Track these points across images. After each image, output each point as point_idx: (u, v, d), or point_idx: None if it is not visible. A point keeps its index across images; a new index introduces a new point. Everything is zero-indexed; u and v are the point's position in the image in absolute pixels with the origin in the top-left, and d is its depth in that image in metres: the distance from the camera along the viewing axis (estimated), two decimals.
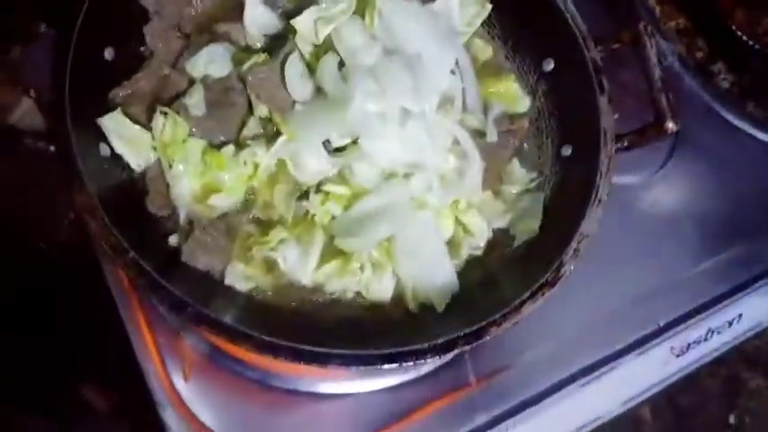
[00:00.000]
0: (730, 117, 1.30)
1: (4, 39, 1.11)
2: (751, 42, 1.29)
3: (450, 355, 0.89)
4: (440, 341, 0.81)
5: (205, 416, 0.98)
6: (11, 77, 1.14)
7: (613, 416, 1.25)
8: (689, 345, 1.21)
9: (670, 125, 0.94)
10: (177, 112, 0.89)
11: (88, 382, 1.14)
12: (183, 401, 0.96)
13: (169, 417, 0.95)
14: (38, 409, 1.11)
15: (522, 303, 0.84)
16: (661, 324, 1.15)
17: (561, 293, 0.87)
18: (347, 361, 0.76)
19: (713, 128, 1.29)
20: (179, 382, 0.97)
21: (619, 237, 1.17)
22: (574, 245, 0.88)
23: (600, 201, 0.91)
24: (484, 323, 0.82)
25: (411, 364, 0.78)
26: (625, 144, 0.97)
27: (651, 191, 1.25)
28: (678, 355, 1.21)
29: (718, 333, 1.23)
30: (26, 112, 1.06)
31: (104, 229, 0.76)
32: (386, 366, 0.76)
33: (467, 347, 0.82)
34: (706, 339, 1.22)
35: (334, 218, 0.91)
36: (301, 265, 0.88)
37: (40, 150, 0.80)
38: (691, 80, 1.31)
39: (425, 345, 0.80)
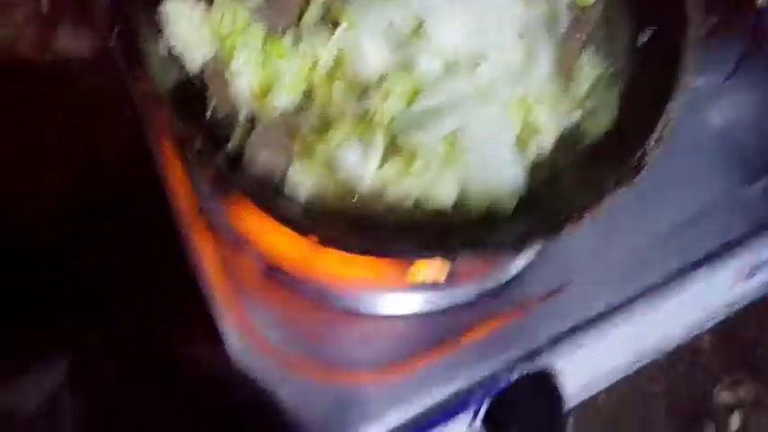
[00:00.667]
0: None
1: None
2: None
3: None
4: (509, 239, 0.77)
5: (264, 327, 0.97)
6: None
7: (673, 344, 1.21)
8: (755, 267, 1.14)
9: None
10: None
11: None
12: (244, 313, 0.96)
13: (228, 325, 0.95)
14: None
15: (602, 197, 0.79)
16: (725, 242, 1.08)
17: (618, 210, 0.81)
18: (419, 250, 0.73)
19: None
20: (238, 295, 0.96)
21: (679, 151, 1.09)
22: (658, 131, 0.82)
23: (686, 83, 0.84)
24: (563, 218, 0.77)
25: (489, 255, 0.74)
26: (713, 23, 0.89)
27: (718, 97, 1.16)
28: (741, 281, 1.15)
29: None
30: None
31: (171, 117, 0.73)
32: (465, 253, 0.73)
33: (542, 241, 0.78)
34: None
35: (396, 114, 0.87)
36: (363, 164, 0.85)
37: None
38: None
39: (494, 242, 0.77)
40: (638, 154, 0.81)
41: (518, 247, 0.77)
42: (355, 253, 0.74)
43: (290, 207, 0.81)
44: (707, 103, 1.18)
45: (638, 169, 0.80)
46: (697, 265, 1.09)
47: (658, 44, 0.91)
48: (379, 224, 0.85)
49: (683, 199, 1.11)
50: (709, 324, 1.40)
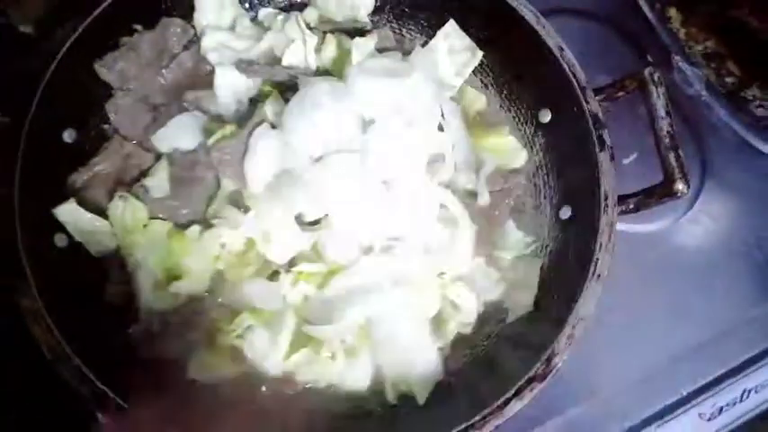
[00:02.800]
0: (766, 148, 1.16)
1: None
2: None
3: None
4: None
5: None
6: None
7: None
8: (721, 408, 1.09)
9: (680, 187, 0.84)
10: (137, 196, 0.84)
11: None
12: None
13: None
14: None
15: (507, 402, 0.75)
16: (684, 393, 1.04)
17: (581, 353, 0.79)
18: None
19: (746, 162, 1.16)
20: None
21: (645, 291, 1.07)
22: (568, 330, 0.79)
23: (599, 276, 0.81)
24: (462, 426, 0.74)
25: None
26: (631, 206, 0.87)
27: (677, 237, 1.13)
28: (709, 419, 1.10)
29: (756, 392, 1.11)
30: None
31: (47, 336, 0.72)
32: None
33: None
34: (741, 401, 1.10)
35: (306, 299, 0.85)
36: (270, 352, 0.83)
37: None
38: (720, 108, 1.17)
39: None
40: (546, 355, 0.78)
41: None
42: None
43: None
44: (667, 241, 1.14)
45: (546, 373, 0.77)
46: (660, 413, 1.04)
47: (576, 224, 0.89)
48: (284, 419, 0.82)
49: (649, 341, 1.06)
50: None
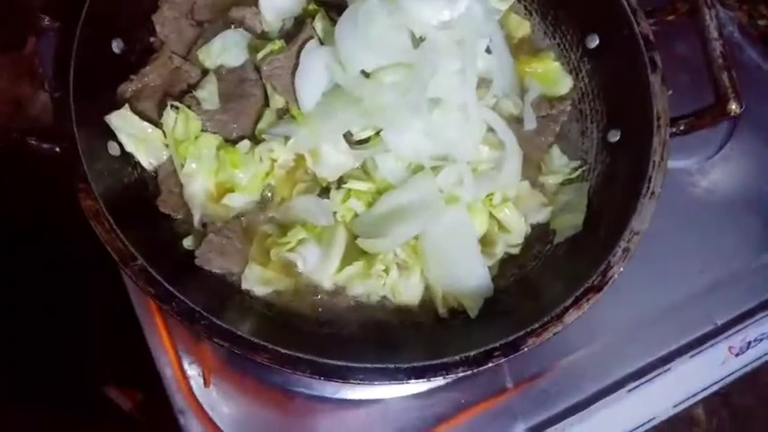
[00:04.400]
0: None
1: (18, 32, 1.07)
2: None
3: (484, 367, 0.82)
4: (472, 354, 0.74)
5: (226, 422, 0.93)
6: (28, 70, 1.11)
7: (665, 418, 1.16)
8: (749, 343, 1.10)
9: (733, 107, 0.84)
10: (189, 107, 0.83)
11: (113, 383, 1.12)
12: (203, 407, 0.92)
13: (188, 422, 0.91)
14: (62, 409, 1.09)
15: (565, 311, 0.76)
16: (718, 323, 1.05)
17: (610, 290, 0.80)
18: (370, 376, 0.70)
19: None
20: (199, 388, 0.92)
21: (672, 227, 1.07)
22: (623, 244, 0.79)
23: (653, 193, 0.82)
24: (522, 333, 0.74)
25: (440, 378, 0.72)
26: (681, 128, 0.86)
27: (708, 175, 1.14)
28: (737, 354, 1.11)
29: None
30: (44, 106, 1.03)
31: (110, 235, 0.71)
32: (412, 382, 0.70)
33: (502, 360, 0.74)
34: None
35: (356, 215, 0.85)
36: (322, 266, 0.82)
37: (45, 152, 0.75)
38: (752, 51, 1.18)
39: (456, 357, 0.74)
40: (603, 267, 0.78)
41: (475, 368, 0.74)
42: (306, 376, 0.70)
43: (243, 316, 0.78)
44: (698, 178, 1.15)
45: (602, 284, 0.77)
46: (689, 346, 1.05)
47: (626, 146, 0.89)
48: (339, 328, 0.82)
49: (678, 277, 1.07)
50: (703, 396, 1.36)
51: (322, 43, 0.88)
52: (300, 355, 0.72)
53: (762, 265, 1.10)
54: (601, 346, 1.02)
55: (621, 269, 0.79)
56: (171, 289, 0.71)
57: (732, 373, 1.12)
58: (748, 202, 1.13)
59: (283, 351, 0.72)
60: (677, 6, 0.90)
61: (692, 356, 1.05)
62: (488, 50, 0.92)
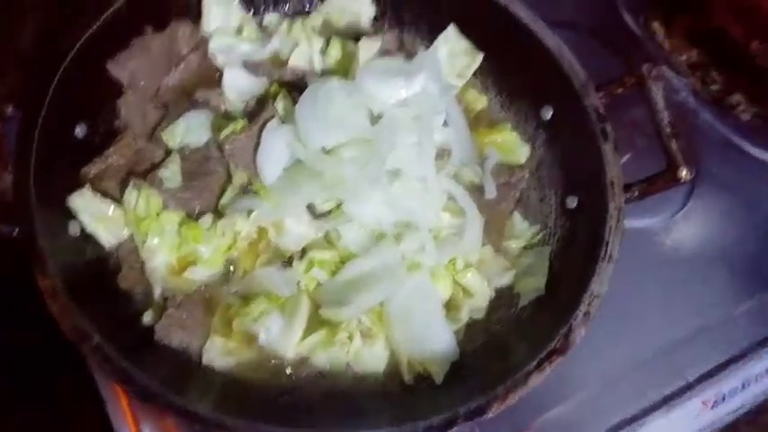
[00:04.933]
0: (753, 150, 1.21)
1: None
2: None
3: None
4: (436, 420, 0.73)
5: None
6: None
7: None
8: (724, 396, 1.10)
9: (683, 173, 0.87)
10: (151, 185, 0.84)
11: None
12: None
13: None
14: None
15: (529, 374, 0.76)
16: (690, 378, 1.04)
17: (580, 348, 0.80)
18: None
19: (734, 163, 1.20)
20: None
21: (640, 284, 1.08)
22: (584, 307, 0.80)
23: (611, 257, 0.83)
24: (486, 398, 0.74)
25: None
26: (635, 194, 0.89)
27: (672, 233, 1.16)
28: (713, 407, 1.10)
29: (756, 381, 1.12)
30: (8, 188, 1.04)
31: (66, 314, 0.71)
32: None
33: (467, 425, 0.74)
34: (743, 388, 1.11)
35: (320, 285, 0.85)
36: (285, 336, 0.82)
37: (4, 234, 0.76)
38: (707, 115, 1.22)
39: (420, 425, 0.73)
40: (564, 330, 0.78)
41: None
42: None
43: (203, 391, 0.77)
44: (662, 237, 1.16)
45: (564, 347, 0.77)
46: (663, 401, 1.04)
47: (584, 212, 0.91)
48: (303, 398, 0.81)
49: (648, 334, 1.06)
50: None
51: (283, 122, 0.90)
52: (264, 426, 0.71)
53: (729, 319, 1.10)
54: (574, 404, 1.00)
55: (583, 332, 0.79)
56: (127, 366, 0.70)
57: (711, 424, 1.11)
58: (712, 259, 1.15)
59: (245, 423, 0.71)
60: (625, 80, 0.94)
61: (666, 411, 1.04)
62: (446, 123, 0.95)
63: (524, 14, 0.96)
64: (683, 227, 1.17)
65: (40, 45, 0.96)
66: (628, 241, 1.08)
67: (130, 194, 0.83)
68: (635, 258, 1.10)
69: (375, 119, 0.91)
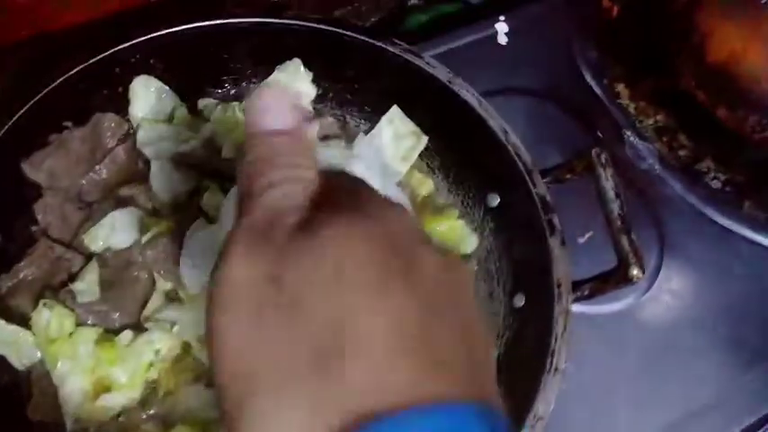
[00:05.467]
0: (723, 220, 1.14)
1: None
2: (743, 136, 1.15)
3: None
4: None
5: None
6: None
7: None
8: None
9: (635, 272, 0.81)
10: (64, 302, 0.79)
11: None
12: None
13: None
14: None
15: None
16: None
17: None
18: None
19: (704, 234, 1.14)
20: None
21: (613, 373, 1.02)
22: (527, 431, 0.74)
23: (557, 369, 0.77)
24: None
25: None
26: (586, 293, 0.83)
27: (640, 316, 1.09)
28: None
29: None
30: None
31: None
32: None
33: None
34: None
35: None
36: None
37: None
38: (675, 182, 1.16)
39: None
40: None
41: None
42: None
43: None
44: (630, 321, 1.10)
45: None
46: None
47: (530, 312, 0.85)
48: None
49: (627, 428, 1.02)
50: None
51: (210, 222, 0.85)
52: None
53: (712, 406, 1.04)
54: None
55: None
56: None
57: None
58: (689, 341, 1.09)
59: None
60: (574, 165, 0.88)
61: None
62: None
63: (468, 94, 0.91)
64: (651, 307, 1.10)
65: None
66: (594, 329, 1.04)
67: (40, 315, 0.77)
68: (601, 346, 1.05)
69: None
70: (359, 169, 0.88)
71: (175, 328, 0.80)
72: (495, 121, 0.90)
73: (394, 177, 0.94)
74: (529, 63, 1.23)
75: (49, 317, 0.77)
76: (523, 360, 0.83)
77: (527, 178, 0.86)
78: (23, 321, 0.79)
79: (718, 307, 1.11)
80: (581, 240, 1.06)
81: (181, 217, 0.86)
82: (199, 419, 0.78)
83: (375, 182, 0.86)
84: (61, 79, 0.86)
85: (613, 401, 1.01)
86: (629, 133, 1.18)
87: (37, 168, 0.86)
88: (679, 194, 1.16)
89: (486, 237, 0.93)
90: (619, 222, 0.83)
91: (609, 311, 1.07)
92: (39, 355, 0.79)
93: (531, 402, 0.75)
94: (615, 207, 0.84)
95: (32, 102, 0.84)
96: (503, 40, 1.24)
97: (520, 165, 0.87)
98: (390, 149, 0.96)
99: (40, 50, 1.04)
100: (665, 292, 1.11)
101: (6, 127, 0.82)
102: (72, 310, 0.79)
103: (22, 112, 0.83)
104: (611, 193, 0.85)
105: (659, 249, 1.13)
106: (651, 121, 1.22)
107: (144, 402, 0.80)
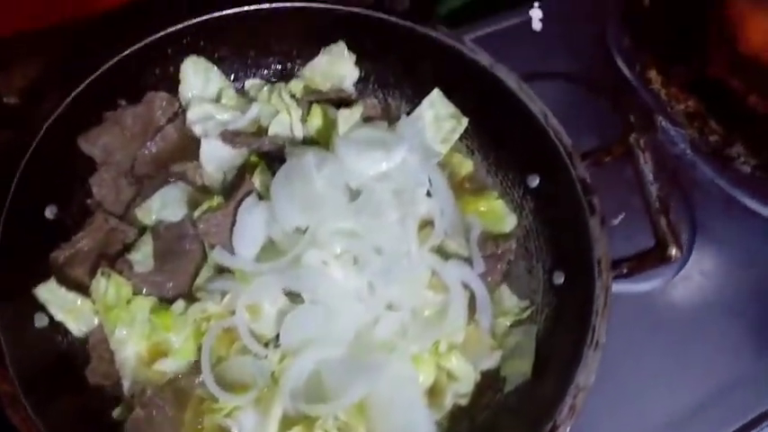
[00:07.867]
0: (753, 204, 1.16)
1: None
2: None
3: None
4: None
5: None
6: None
7: None
8: None
9: (673, 252, 0.83)
10: (121, 271, 0.82)
11: None
12: None
13: None
14: None
15: None
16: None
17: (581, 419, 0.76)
18: None
19: (734, 218, 1.16)
20: None
21: (642, 351, 1.04)
22: (569, 400, 0.76)
23: (597, 344, 0.79)
24: None
25: None
26: (624, 271, 0.86)
27: (672, 296, 1.11)
28: None
29: None
30: None
31: (27, 423, 0.68)
32: None
33: None
34: None
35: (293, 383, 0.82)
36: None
37: None
38: (705, 167, 1.18)
39: None
40: (549, 427, 0.75)
41: None
42: None
43: None
44: (662, 300, 1.12)
45: None
46: None
47: (570, 289, 0.87)
48: None
49: (653, 403, 1.03)
50: None
51: (261, 198, 0.88)
52: None
53: (738, 384, 1.06)
54: None
55: (569, 429, 0.76)
56: None
57: None
58: (716, 319, 1.11)
59: None
60: (612, 149, 0.90)
61: None
62: (428, 194, 0.92)
63: (509, 78, 0.93)
64: (682, 288, 1.12)
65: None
66: (625, 307, 1.05)
67: (99, 284, 0.80)
68: (634, 325, 1.07)
69: (354, 193, 0.88)
70: (399, 155, 0.91)
71: (226, 298, 0.82)
72: (536, 105, 0.91)
73: (434, 158, 0.96)
74: (562, 49, 1.25)
75: (107, 285, 0.80)
76: (562, 337, 0.85)
77: (567, 161, 0.88)
78: (81, 289, 0.82)
79: (749, 290, 1.13)
80: (614, 222, 1.08)
81: (231, 193, 0.88)
82: (248, 387, 0.81)
83: (414, 168, 0.90)
84: (116, 59, 0.88)
85: (642, 377, 1.03)
86: (661, 118, 1.20)
87: (92, 144, 0.89)
88: (709, 178, 1.18)
89: (526, 216, 0.95)
90: (657, 204, 0.85)
91: (640, 291, 1.09)
92: (96, 321, 0.82)
93: (573, 374, 0.78)
94: (654, 189, 0.86)
95: (89, 80, 0.86)
96: (537, 26, 1.26)
97: (560, 148, 0.89)
98: (431, 131, 0.98)
99: (89, 32, 1.06)
100: (697, 273, 1.13)
101: (64, 104, 0.85)
102: (128, 278, 0.82)
103: (78, 90, 0.86)
104: (649, 176, 0.87)
105: (691, 231, 1.15)
106: (682, 107, 1.23)
107: (197, 368, 0.82)
